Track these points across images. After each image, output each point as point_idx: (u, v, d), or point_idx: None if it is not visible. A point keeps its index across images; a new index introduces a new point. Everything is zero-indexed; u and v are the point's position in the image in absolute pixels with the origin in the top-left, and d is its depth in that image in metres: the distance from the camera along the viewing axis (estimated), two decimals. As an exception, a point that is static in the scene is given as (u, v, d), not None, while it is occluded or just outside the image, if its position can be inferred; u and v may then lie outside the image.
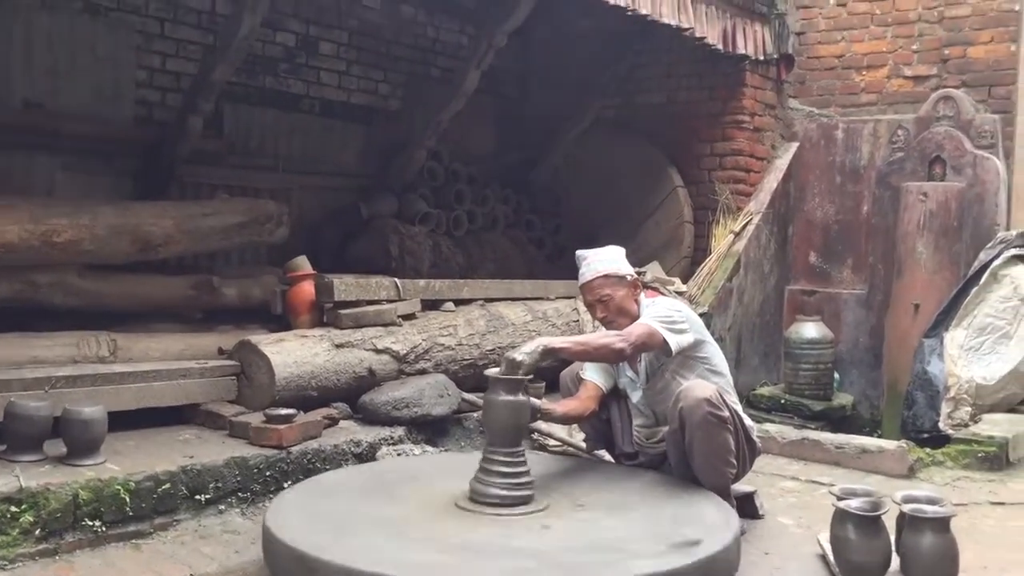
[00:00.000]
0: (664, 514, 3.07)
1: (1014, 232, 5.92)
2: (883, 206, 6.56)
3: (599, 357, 3.48)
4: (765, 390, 6.48)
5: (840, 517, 2.93)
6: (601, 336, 3.45)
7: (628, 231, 6.76)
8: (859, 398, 6.61)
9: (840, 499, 3.04)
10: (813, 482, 4.56)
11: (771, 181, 6.79)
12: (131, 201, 4.71)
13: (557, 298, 5.86)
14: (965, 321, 5.67)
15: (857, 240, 6.74)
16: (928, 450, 4.90)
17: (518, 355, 3.14)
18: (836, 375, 6.53)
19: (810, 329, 6.41)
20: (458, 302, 5.29)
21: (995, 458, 4.75)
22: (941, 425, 5.39)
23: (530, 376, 3.20)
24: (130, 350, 4.26)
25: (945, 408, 5.44)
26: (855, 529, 2.87)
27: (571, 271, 7.00)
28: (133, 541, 3.35)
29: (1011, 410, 5.54)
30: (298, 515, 2.99)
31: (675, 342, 3.49)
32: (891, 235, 6.41)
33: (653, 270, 6.32)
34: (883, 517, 2.96)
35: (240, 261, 5.56)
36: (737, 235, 6.47)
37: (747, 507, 3.74)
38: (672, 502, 3.22)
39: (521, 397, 3.17)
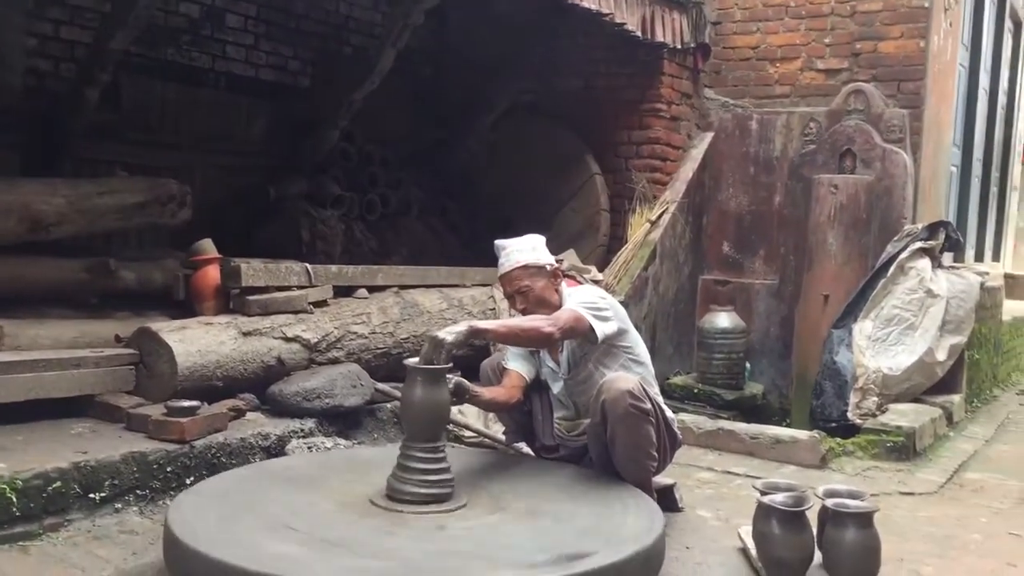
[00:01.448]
0: (578, 520, 2.96)
1: (920, 225, 6.07)
2: (795, 197, 6.64)
3: (526, 341, 3.37)
4: (678, 379, 6.49)
5: (764, 512, 2.89)
6: (529, 319, 3.34)
7: (545, 218, 6.67)
8: (769, 387, 6.68)
9: (764, 493, 3.01)
10: (729, 472, 4.57)
11: (687, 171, 6.80)
12: (20, 177, 4.37)
13: (473, 285, 5.73)
14: (873, 312, 5.78)
15: (769, 231, 6.80)
16: (839, 440, 4.96)
17: (443, 334, 3.00)
18: (747, 365, 6.58)
19: (723, 319, 6.44)
20: (372, 289, 5.12)
21: (903, 448, 4.84)
22: (849, 414, 5.49)
23: (451, 365, 3.08)
24: (18, 337, 3.97)
25: (853, 398, 5.54)
26: (779, 524, 2.84)
27: (487, 258, 6.88)
28: (20, 543, 3.11)
29: (915, 400, 5.67)
30: (202, 514, 2.81)
31: (601, 330, 3.41)
32: (802, 226, 6.48)
33: (570, 258, 6.25)
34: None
35: (139, 244, 5.25)
36: (653, 224, 6.46)
37: (667, 500, 3.70)
38: (594, 504, 3.11)
39: (442, 389, 3.04)
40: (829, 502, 2.89)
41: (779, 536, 2.82)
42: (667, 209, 6.54)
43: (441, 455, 3.04)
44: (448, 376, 3.08)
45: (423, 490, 2.95)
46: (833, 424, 5.59)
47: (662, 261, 6.47)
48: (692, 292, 6.93)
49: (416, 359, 3.09)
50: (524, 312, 3.53)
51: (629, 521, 2.95)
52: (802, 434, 4.81)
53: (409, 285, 5.35)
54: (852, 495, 2.99)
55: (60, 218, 4.19)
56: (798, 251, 6.57)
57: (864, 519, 2.80)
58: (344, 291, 5.01)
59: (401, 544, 2.67)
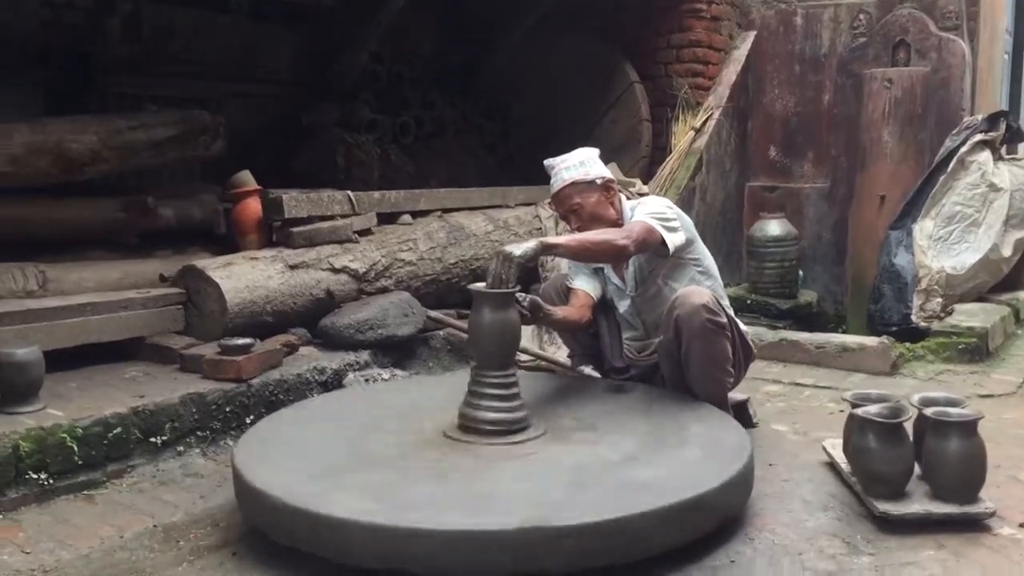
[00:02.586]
0: (668, 440, 2.85)
1: (980, 116, 5.77)
2: (845, 95, 6.35)
3: (599, 255, 3.19)
4: (730, 291, 6.28)
5: (859, 426, 2.74)
6: (601, 233, 3.16)
7: (583, 132, 6.43)
8: (823, 294, 6.51)
9: (855, 406, 2.85)
10: (796, 384, 4.43)
11: (730, 73, 6.52)
12: (49, 117, 4.20)
13: (517, 205, 5.55)
14: (933, 211, 5.55)
15: (818, 132, 6.54)
16: (908, 345, 4.79)
17: (512, 248, 2.84)
18: (800, 272, 6.39)
19: (773, 226, 6.24)
20: (415, 214, 4.95)
21: (976, 349, 4.67)
22: (912, 317, 5.31)
23: (518, 287, 2.92)
24: (62, 282, 3.85)
25: (916, 300, 5.36)
26: (876, 438, 2.68)
27: (525, 176, 6.71)
28: (85, 492, 3.04)
29: (980, 299, 5.47)
30: (270, 456, 2.71)
31: (671, 242, 3.23)
32: (854, 125, 6.21)
33: (612, 172, 5.99)
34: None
35: (172, 180, 5.09)
36: (698, 131, 6.22)
37: (741, 416, 3.55)
38: (675, 419, 3.00)
39: (512, 311, 2.89)
40: (928, 411, 2.72)
41: (877, 450, 2.67)
42: (711, 115, 6.29)
43: (514, 380, 2.90)
44: (521, 294, 2.92)
45: (501, 416, 2.82)
46: (894, 328, 5.43)
47: (708, 170, 6.24)
48: (739, 200, 6.71)
49: (481, 284, 2.93)
50: (579, 231, 3.34)
51: (719, 435, 2.83)
52: (870, 340, 4.64)
53: (452, 208, 5.18)
54: (950, 402, 2.82)
55: (93, 156, 4.02)
56: (850, 151, 6.31)
57: (968, 428, 2.64)
58: (387, 218, 4.85)
59: (496, 479, 2.54)
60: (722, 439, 2.83)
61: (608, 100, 6.60)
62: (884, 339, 4.64)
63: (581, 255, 3.15)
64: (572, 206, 3.31)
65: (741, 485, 2.62)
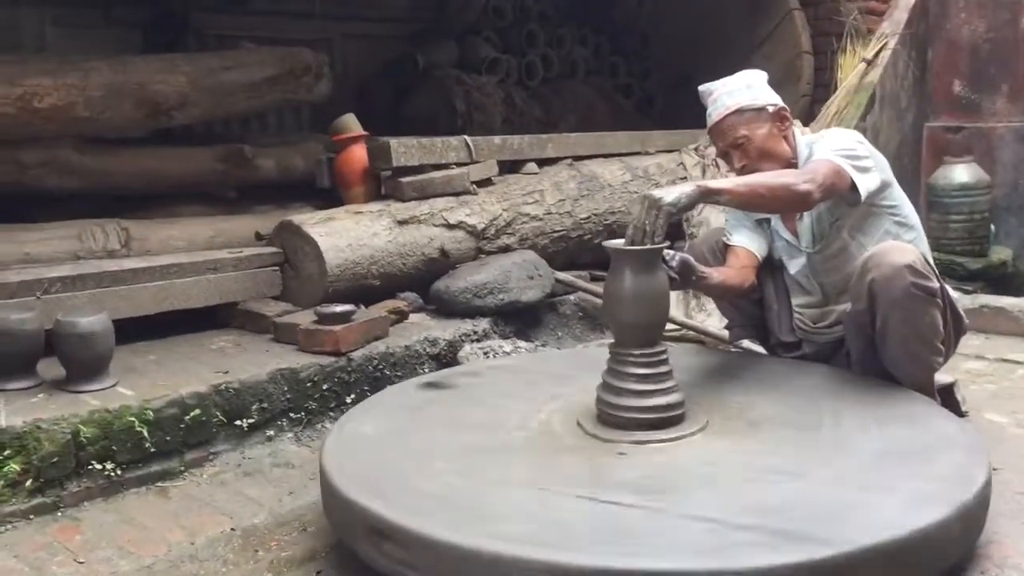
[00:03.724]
0: (867, 432, 2.19)
1: None
2: (1051, 15, 5.33)
3: (775, 203, 2.49)
4: (907, 248, 5.45)
5: None
6: (777, 175, 2.47)
7: (732, 68, 5.57)
8: (1019, 251, 5.55)
9: None
10: (1005, 360, 3.63)
11: (907, -6, 5.57)
12: (133, 55, 3.80)
13: (657, 152, 4.88)
14: None
15: (1015, 60, 5.53)
16: None
17: (661, 193, 2.19)
18: (991, 226, 5.46)
19: (961, 172, 5.33)
20: (541, 162, 4.36)
21: None
22: None
23: (667, 243, 2.28)
24: (147, 240, 3.46)
25: None
26: None
27: (665, 121, 6.00)
28: (158, 484, 2.63)
29: None
30: (366, 450, 2.20)
31: (863, 185, 2.53)
32: (1062, 51, 5.21)
33: (769, 110, 5.27)
34: None
35: (279, 128, 4.66)
36: (870, 63, 5.33)
37: (947, 403, 2.81)
38: (873, 412, 2.32)
39: (660, 274, 2.27)
40: None
41: None
42: (886, 44, 5.39)
43: (664, 360, 2.28)
44: (668, 252, 2.29)
45: (648, 412, 2.21)
46: None
47: (882, 108, 5.36)
48: (916, 143, 5.79)
49: (620, 240, 2.31)
50: (744, 170, 2.66)
51: (939, 438, 2.16)
52: (1100, 308, 3.78)
53: (584, 156, 4.56)
54: None
55: (182, 99, 3.60)
56: (1055, 82, 5.31)
57: None
58: (510, 166, 4.29)
59: (664, 487, 1.94)
60: (942, 442, 2.15)
61: (761, 31, 5.81)
62: (1118, 306, 3.77)
63: (752, 203, 2.46)
64: (737, 139, 2.63)
65: (978, 510, 1.93)
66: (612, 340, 2.33)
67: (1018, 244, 5.58)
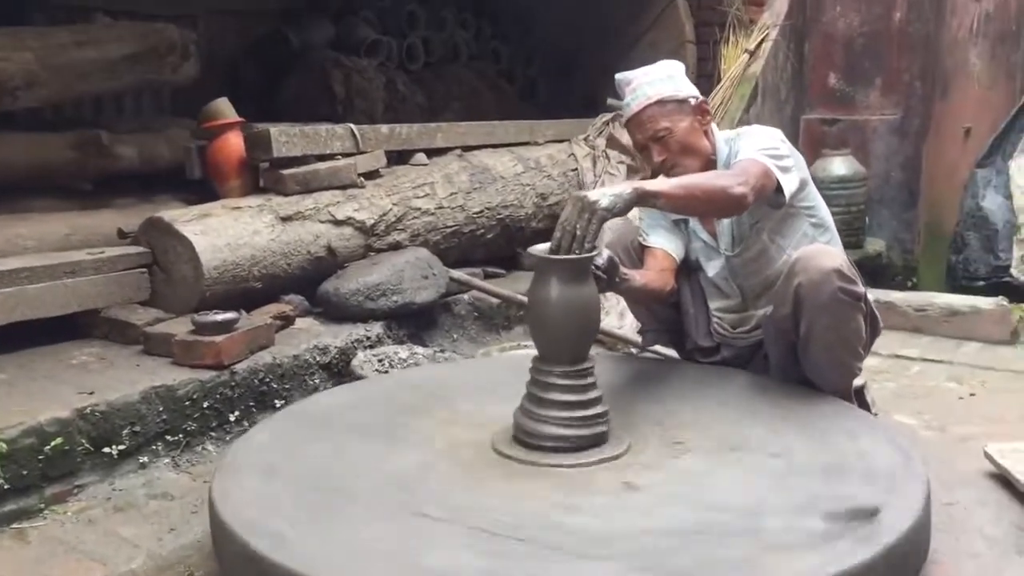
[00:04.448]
0: (799, 454, 2.08)
1: (1086, 35, 4.93)
2: (921, 11, 5.46)
3: (710, 207, 2.34)
4: (785, 240, 5.50)
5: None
6: (711, 178, 2.31)
7: (615, 56, 5.51)
8: (890, 243, 5.70)
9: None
10: (899, 357, 3.67)
11: (787, -13, 5.60)
12: (-33, 29, 3.34)
13: (547, 142, 4.71)
14: (1033, 145, 4.75)
15: (888, 54, 5.65)
16: (1024, 306, 4.01)
17: (596, 196, 2.01)
18: (865, 218, 5.58)
19: (838, 165, 5.41)
20: (430, 153, 4.12)
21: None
22: (1013, 271, 4.61)
23: (597, 251, 2.11)
24: (-10, 241, 3.04)
25: (1017, 251, 4.61)
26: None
27: (551, 109, 5.84)
28: (14, 526, 2.30)
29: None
30: (258, 479, 1.93)
31: (787, 186, 2.42)
32: (932, 46, 5.35)
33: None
34: None
35: (135, 111, 4.23)
36: (752, 54, 5.34)
37: (860, 404, 2.78)
38: (804, 427, 2.23)
39: (590, 284, 2.09)
40: None
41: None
42: (767, 35, 5.40)
43: (590, 378, 2.11)
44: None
45: (574, 431, 2.04)
46: (980, 283, 4.75)
47: (764, 100, 5.38)
48: (794, 135, 5.84)
49: (542, 246, 2.12)
50: (664, 165, 2.52)
51: (869, 449, 2.08)
52: (985, 302, 3.86)
53: (473, 146, 4.34)
54: None
55: (29, 78, 3.18)
56: (926, 77, 5.45)
57: None
58: (397, 157, 4.03)
59: (583, 522, 1.75)
60: (878, 452, 2.07)
61: (645, 20, 5.72)
62: (1002, 300, 3.86)
63: (688, 206, 2.31)
64: (658, 132, 2.47)
65: (927, 523, 1.86)
66: (536, 356, 2.14)
67: (890, 236, 5.73)
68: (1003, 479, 2.38)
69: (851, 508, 1.74)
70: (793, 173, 2.49)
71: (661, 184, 2.17)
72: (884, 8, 5.63)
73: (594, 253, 2.06)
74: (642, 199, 2.09)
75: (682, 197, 2.17)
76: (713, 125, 2.67)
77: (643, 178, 4.54)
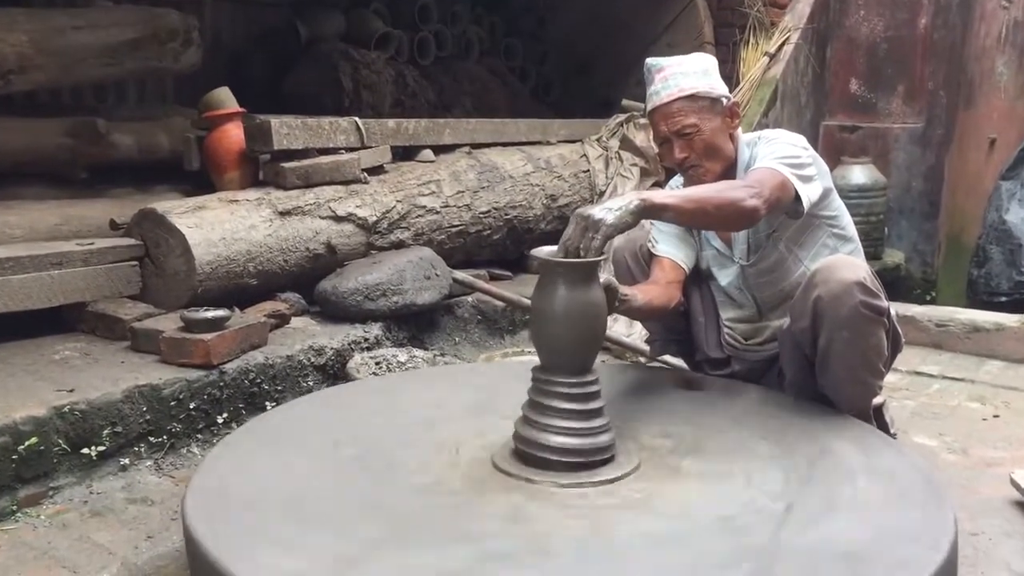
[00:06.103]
0: (819, 462, 1.96)
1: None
2: (948, 17, 5.32)
3: (720, 221, 2.20)
4: (801, 250, 5.36)
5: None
6: (723, 190, 2.17)
7: (632, 57, 5.38)
8: (909, 254, 5.56)
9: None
10: (919, 374, 3.52)
11: (810, -12, 5.46)
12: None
13: (559, 142, 4.59)
14: (1060, 158, 4.63)
15: (912, 61, 5.51)
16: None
17: (600, 213, 1.88)
18: (885, 229, 5.44)
19: (858, 173, 5.28)
20: (438, 149, 4.00)
21: None
22: (1033, 287, 4.44)
23: (604, 256, 1.99)
24: (-24, 228, 2.93)
25: (1039, 266, 4.47)
26: None
27: (564, 109, 5.72)
28: (-14, 528, 2.16)
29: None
30: (239, 501, 1.81)
31: (807, 196, 2.29)
32: (958, 53, 5.23)
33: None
34: None
35: (137, 99, 4.12)
36: (772, 57, 5.20)
37: (878, 424, 2.64)
38: (817, 439, 2.10)
39: (596, 291, 1.96)
40: None
41: None
42: (788, 38, 5.26)
43: (595, 391, 1.98)
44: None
45: (576, 444, 1.91)
46: (1003, 298, 4.64)
47: (783, 104, 5.24)
48: (813, 141, 5.69)
49: (547, 248, 2.00)
50: (684, 164, 2.38)
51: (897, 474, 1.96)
52: (1010, 319, 3.71)
53: (482, 144, 4.22)
54: None
55: (23, 62, 3.07)
56: (950, 85, 5.31)
57: None
58: (403, 153, 3.91)
59: (576, 541, 1.63)
60: (900, 475, 1.94)
61: (663, 20, 5.60)
62: (1028, 317, 3.72)
63: (698, 219, 2.17)
64: (685, 127, 2.33)
65: (955, 554, 1.72)
66: (538, 365, 2.02)
67: (909, 247, 5.59)
68: (1030, 506, 2.25)
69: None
70: (815, 182, 2.36)
71: (670, 197, 2.03)
72: (909, 14, 5.49)
73: (602, 258, 1.93)
74: (649, 212, 1.96)
75: (691, 211, 2.04)
76: (739, 129, 2.54)
77: (656, 182, 4.43)
